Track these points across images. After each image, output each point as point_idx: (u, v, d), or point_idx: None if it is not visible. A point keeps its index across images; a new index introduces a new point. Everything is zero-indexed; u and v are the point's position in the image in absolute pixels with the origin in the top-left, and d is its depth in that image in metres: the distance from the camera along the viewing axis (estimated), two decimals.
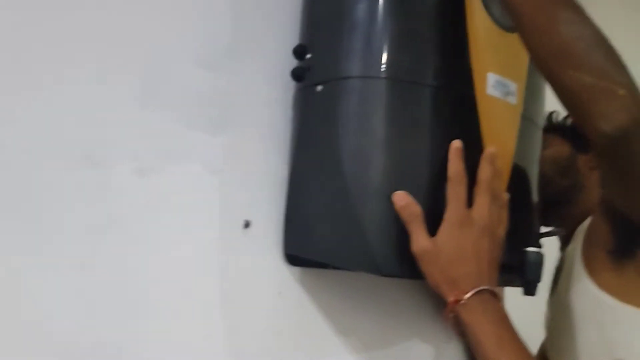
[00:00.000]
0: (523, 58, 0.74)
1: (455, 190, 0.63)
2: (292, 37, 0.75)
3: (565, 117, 1.15)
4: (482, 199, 0.65)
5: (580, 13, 0.63)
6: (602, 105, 0.60)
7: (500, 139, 0.70)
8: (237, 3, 0.75)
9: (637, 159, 0.64)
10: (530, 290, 0.71)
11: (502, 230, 0.68)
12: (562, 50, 0.61)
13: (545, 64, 0.63)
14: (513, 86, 0.72)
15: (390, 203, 0.63)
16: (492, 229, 0.65)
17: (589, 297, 0.81)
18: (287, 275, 0.74)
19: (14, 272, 0.57)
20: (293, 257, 0.72)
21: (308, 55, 0.71)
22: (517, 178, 0.73)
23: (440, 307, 0.67)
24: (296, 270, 0.74)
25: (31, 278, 0.58)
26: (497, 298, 0.65)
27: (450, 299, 0.63)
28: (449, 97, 0.68)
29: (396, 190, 0.63)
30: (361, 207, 0.64)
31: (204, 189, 0.71)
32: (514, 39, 0.70)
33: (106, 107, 0.64)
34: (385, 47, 0.66)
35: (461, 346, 0.90)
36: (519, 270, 0.70)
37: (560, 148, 1.10)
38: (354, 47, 0.67)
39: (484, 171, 0.66)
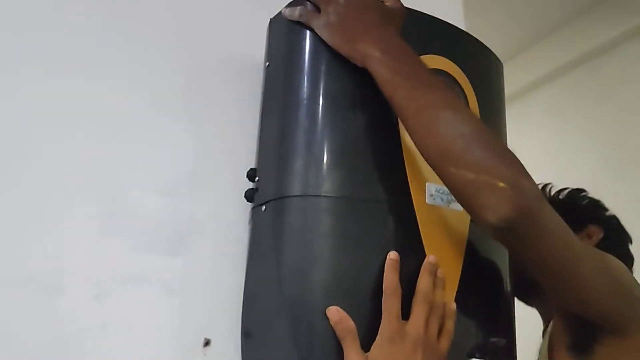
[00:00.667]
0: None
1: (388, 303, 0.63)
2: (250, 161, 0.81)
3: (558, 191, 1.13)
4: (418, 311, 0.64)
5: (460, 112, 0.66)
6: (484, 199, 0.61)
7: (445, 247, 0.70)
8: (198, 132, 0.82)
9: (532, 242, 0.65)
10: None
11: (445, 340, 0.66)
12: (442, 150, 0.64)
13: (432, 163, 0.66)
14: None
15: (326, 319, 0.63)
16: (427, 341, 0.63)
17: None
18: None
19: None
20: None
21: (257, 178, 0.75)
22: (477, 277, 0.72)
23: None
24: None
25: None
26: None
27: None
28: (387, 210, 0.69)
29: (332, 305, 0.64)
30: (299, 323, 0.65)
31: (164, 309, 0.74)
32: None
33: (68, 236, 0.70)
34: (321, 166, 0.70)
35: None
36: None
37: None
38: (292, 167, 0.71)
39: (423, 281, 0.66)
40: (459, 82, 0.78)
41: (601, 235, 1.07)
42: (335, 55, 0.71)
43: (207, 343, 0.74)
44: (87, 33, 0.78)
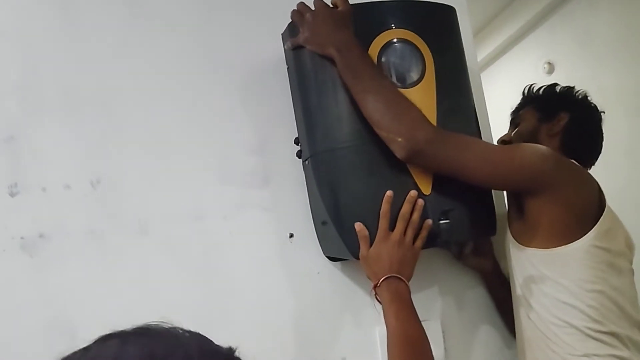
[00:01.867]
0: (429, 99, 1.13)
1: (381, 221, 1.08)
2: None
3: (538, 89, 1.35)
4: (399, 225, 1.08)
5: (378, 94, 1.07)
6: (393, 148, 1.08)
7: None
8: (265, 114, 1.30)
9: (435, 165, 1.08)
10: (446, 246, 1.14)
11: (418, 242, 1.09)
12: (370, 118, 1.08)
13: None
14: None
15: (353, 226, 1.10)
16: (404, 242, 1.06)
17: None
18: (321, 262, 1.25)
19: None
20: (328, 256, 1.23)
21: (299, 143, 1.22)
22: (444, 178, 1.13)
23: None
24: (324, 260, 1.24)
25: None
26: (402, 282, 1.04)
27: (373, 284, 1.07)
28: (375, 148, 1.11)
29: (354, 220, 1.10)
30: (339, 229, 1.12)
31: (263, 221, 1.26)
32: (414, 91, 1.12)
33: (198, 186, 1.23)
34: (331, 130, 1.13)
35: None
36: (437, 235, 1.11)
37: (528, 122, 1.31)
38: (314, 134, 1.16)
39: (403, 208, 1.08)
40: (415, 44, 1.14)
41: (567, 118, 1.27)
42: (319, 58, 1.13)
43: (291, 235, 1.25)
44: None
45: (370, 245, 1.07)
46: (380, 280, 1.04)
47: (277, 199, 1.27)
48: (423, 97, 1.13)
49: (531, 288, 1.11)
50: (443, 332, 1.28)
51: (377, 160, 1.11)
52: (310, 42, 1.12)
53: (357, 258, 1.10)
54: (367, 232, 1.07)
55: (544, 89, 1.35)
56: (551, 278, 1.08)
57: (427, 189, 1.11)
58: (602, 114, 1.32)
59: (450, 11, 1.25)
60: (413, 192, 1.09)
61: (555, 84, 1.35)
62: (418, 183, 1.11)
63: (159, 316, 0.59)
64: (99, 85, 1.23)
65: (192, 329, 0.59)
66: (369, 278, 1.08)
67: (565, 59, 3.20)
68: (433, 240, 1.10)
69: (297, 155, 1.23)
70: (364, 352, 1.24)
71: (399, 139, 1.05)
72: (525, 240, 1.12)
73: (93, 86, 1.23)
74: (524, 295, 1.13)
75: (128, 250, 1.19)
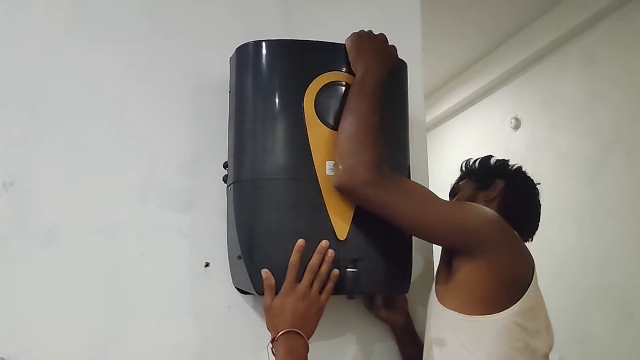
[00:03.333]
0: None
1: (290, 272, 1.04)
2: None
3: (474, 161, 1.36)
4: (305, 278, 1.05)
5: (358, 119, 1.08)
6: (334, 170, 1.08)
7: (340, 205, 1.10)
8: (198, 134, 1.27)
9: (366, 206, 1.07)
10: (350, 296, 1.09)
11: (324, 295, 1.06)
12: (338, 133, 1.11)
13: None
14: None
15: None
16: (309, 295, 1.03)
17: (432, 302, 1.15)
18: (233, 296, 1.21)
19: None
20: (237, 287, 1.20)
21: (227, 168, 1.19)
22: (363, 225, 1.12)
23: None
24: (237, 294, 1.21)
25: None
26: (301, 338, 1.00)
27: (272, 337, 1.03)
28: (300, 184, 1.09)
29: (267, 251, 1.08)
30: (248, 263, 1.09)
31: (179, 246, 1.22)
32: None
33: (116, 201, 1.19)
34: (257, 160, 1.11)
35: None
36: (343, 283, 1.07)
37: (466, 191, 1.31)
38: (240, 161, 1.13)
39: (313, 259, 1.05)
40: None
41: (502, 185, 1.26)
42: (260, 87, 1.13)
43: (207, 264, 1.22)
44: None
45: (276, 293, 1.05)
46: (279, 335, 1.01)
47: (198, 224, 1.23)
48: None
49: (443, 350, 1.08)
50: None
51: (297, 197, 1.09)
52: (354, 47, 1.16)
53: (260, 294, 1.07)
54: (273, 281, 1.05)
55: (480, 160, 1.36)
56: (464, 346, 1.05)
57: (342, 234, 1.09)
58: (537, 185, 1.32)
59: (402, 66, 1.25)
60: (324, 242, 1.07)
61: (490, 156, 1.36)
62: (335, 226, 1.08)
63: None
64: (26, 83, 1.19)
65: None
66: (268, 330, 1.05)
67: (531, 117, 3.25)
68: (338, 288, 1.07)
69: (223, 179, 1.20)
70: None
71: (340, 167, 1.06)
72: (447, 299, 1.09)
73: (19, 83, 1.19)
74: (434, 355, 1.11)
75: (32, 258, 1.14)
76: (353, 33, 1.18)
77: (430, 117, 4.00)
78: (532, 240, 1.27)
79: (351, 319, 1.27)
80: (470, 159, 1.38)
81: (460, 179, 1.37)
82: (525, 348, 1.06)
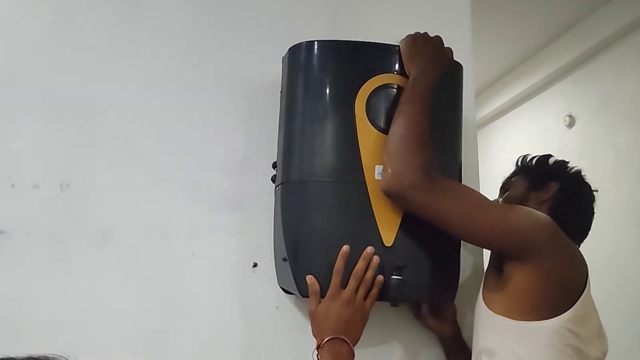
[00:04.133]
0: None
1: (334, 277, 1.03)
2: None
3: (531, 159, 1.30)
4: (350, 284, 1.03)
5: (408, 121, 1.07)
6: (382, 173, 1.06)
7: (387, 210, 1.08)
8: (249, 133, 1.28)
9: (414, 210, 1.05)
10: (394, 303, 1.07)
11: (369, 301, 1.04)
12: (389, 136, 1.08)
13: None
14: None
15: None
16: (354, 302, 1.02)
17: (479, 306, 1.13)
18: (281, 296, 1.22)
19: None
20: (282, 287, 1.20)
21: (276, 168, 1.19)
22: (410, 232, 1.10)
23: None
24: (284, 295, 1.21)
25: None
26: (346, 344, 0.99)
27: (317, 343, 1.02)
28: (349, 187, 1.08)
29: (314, 258, 1.07)
30: (293, 265, 1.09)
31: (228, 246, 1.23)
32: None
33: (167, 201, 1.22)
34: (306, 161, 1.11)
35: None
36: (387, 290, 1.05)
37: (517, 189, 1.26)
38: (289, 162, 1.13)
39: (358, 265, 1.04)
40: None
41: (556, 188, 1.20)
42: (311, 88, 1.13)
43: (255, 265, 1.23)
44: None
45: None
46: (324, 342, 1.00)
47: (247, 225, 1.24)
48: None
49: (493, 357, 1.06)
50: None
51: (345, 201, 1.08)
52: (408, 49, 1.14)
53: (304, 296, 1.07)
54: (317, 287, 1.04)
55: (537, 159, 1.30)
56: (515, 352, 1.02)
57: (389, 240, 1.07)
58: (594, 192, 1.26)
59: (456, 68, 1.22)
60: (370, 249, 1.05)
61: (549, 156, 1.30)
62: (382, 232, 1.07)
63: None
64: (82, 90, 1.23)
65: None
66: (313, 336, 1.04)
67: (586, 114, 3.14)
68: (382, 295, 1.06)
69: (271, 179, 1.20)
70: None
71: (389, 170, 1.04)
72: (497, 305, 1.06)
73: (75, 90, 1.23)
74: None
75: (87, 258, 1.18)
76: (408, 35, 1.16)
77: (481, 114, 3.91)
78: (579, 245, 1.22)
79: (398, 326, 1.24)
80: (528, 155, 1.32)
81: (514, 174, 1.32)
82: (576, 354, 1.03)
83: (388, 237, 1.07)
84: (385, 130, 1.10)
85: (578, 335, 1.03)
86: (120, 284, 1.18)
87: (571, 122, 3.27)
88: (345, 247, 1.04)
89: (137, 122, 1.25)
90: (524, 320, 1.02)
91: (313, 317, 1.04)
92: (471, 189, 1.11)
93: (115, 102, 1.24)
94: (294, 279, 1.07)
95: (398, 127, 1.07)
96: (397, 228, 1.09)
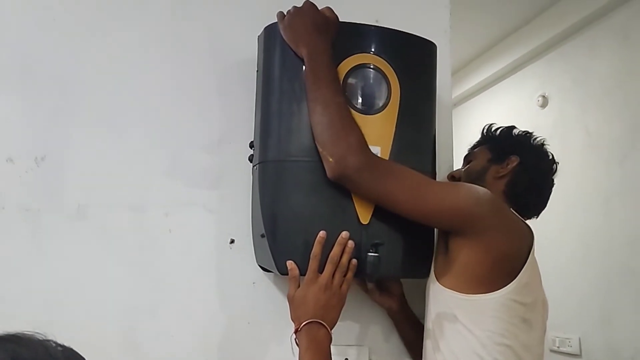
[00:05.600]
0: (388, 129, 1.13)
1: (312, 263, 1.05)
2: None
3: (496, 129, 1.31)
4: (326, 269, 1.05)
5: (327, 107, 1.06)
6: (325, 165, 1.06)
7: None
8: (228, 110, 1.27)
9: (362, 192, 1.07)
10: (371, 280, 1.09)
11: (345, 286, 1.06)
12: (312, 130, 1.08)
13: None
14: (376, 149, 1.11)
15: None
16: (330, 286, 1.04)
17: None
18: (258, 272, 1.23)
19: None
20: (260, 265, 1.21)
21: (253, 148, 1.20)
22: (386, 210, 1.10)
23: None
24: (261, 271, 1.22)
25: None
26: (324, 328, 1.01)
27: (295, 327, 1.04)
28: (323, 167, 1.07)
29: (292, 236, 1.09)
30: (271, 243, 1.10)
31: (205, 223, 1.24)
32: (374, 119, 1.11)
33: (144, 177, 1.21)
34: (283, 141, 1.12)
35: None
36: (364, 267, 1.07)
37: (478, 161, 1.27)
38: (266, 142, 1.13)
39: (333, 251, 1.06)
40: (385, 72, 1.12)
41: (516, 162, 1.22)
42: (287, 67, 1.12)
43: (232, 241, 1.23)
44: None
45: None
46: (302, 325, 1.02)
47: (224, 202, 1.25)
48: (382, 126, 1.12)
49: (442, 329, 1.09)
50: (370, 359, 1.26)
51: (322, 180, 1.09)
52: (286, 32, 1.11)
53: (283, 274, 1.08)
54: (297, 273, 1.06)
55: (501, 130, 1.32)
56: (463, 324, 1.06)
57: (365, 219, 1.09)
58: (555, 164, 1.28)
59: (430, 47, 1.23)
60: (345, 234, 1.07)
61: (513, 127, 1.32)
62: (358, 210, 1.09)
63: (29, 326, 0.56)
64: (58, 63, 1.21)
65: (65, 344, 0.57)
66: (292, 320, 1.06)
67: (559, 95, 3.18)
68: (359, 271, 1.08)
69: (249, 159, 1.21)
70: None
71: (330, 159, 1.05)
72: (445, 279, 1.10)
73: (51, 64, 1.21)
74: (435, 334, 1.11)
75: (63, 232, 1.18)
76: (278, 20, 1.14)
77: (456, 93, 3.94)
78: (537, 217, 1.25)
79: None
80: (493, 124, 1.33)
81: (478, 144, 1.33)
82: (522, 322, 1.07)
83: (364, 215, 1.09)
84: (362, 110, 1.12)
85: (524, 304, 1.07)
86: (97, 259, 1.18)
87: (544, 103, 3.31)
88: (322, 233, 1.06)
89: (114, 96, 1.23)
90: (471, 294, 1.06)
91: (291, 302, 1.06)
92: (411, 169, 1.11)
93: (92, 76, 1.23)
94: (273, 257, 1.09)
95: (320, 115, 1.07)
96: (373, 207, 1.10)
